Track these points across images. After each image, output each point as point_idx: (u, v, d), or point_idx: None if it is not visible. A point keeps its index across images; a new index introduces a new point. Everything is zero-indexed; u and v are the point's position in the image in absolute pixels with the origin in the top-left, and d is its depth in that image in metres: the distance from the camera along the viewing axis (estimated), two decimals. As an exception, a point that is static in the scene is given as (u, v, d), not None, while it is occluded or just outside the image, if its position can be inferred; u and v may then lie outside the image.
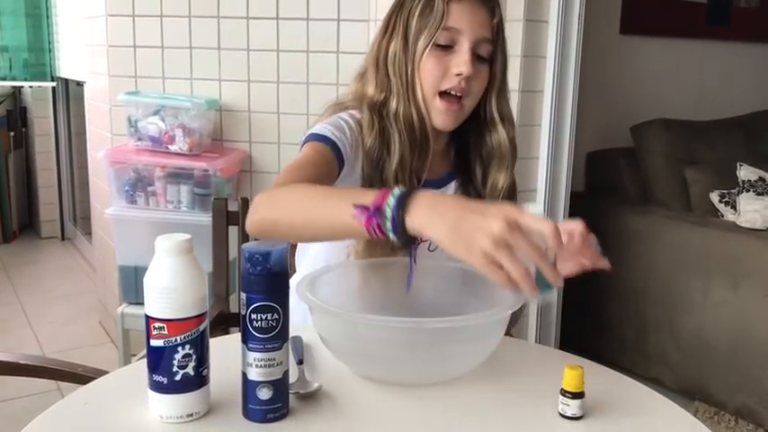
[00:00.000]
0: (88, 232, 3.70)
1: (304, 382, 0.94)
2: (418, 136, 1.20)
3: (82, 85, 3.35)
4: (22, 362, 1.36)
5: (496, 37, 1.20)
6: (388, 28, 1.22)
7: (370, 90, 1.23)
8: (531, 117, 2.40)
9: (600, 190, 3.11)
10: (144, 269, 0.84)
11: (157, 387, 0.84)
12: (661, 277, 2.66)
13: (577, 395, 0.88)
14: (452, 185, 1.31)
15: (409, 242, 0.88)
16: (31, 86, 4.42)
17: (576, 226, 1.01)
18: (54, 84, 4.33)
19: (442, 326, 0.90)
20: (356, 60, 1.32)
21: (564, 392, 0.88)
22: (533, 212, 0.88)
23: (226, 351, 0.90)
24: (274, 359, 0.83)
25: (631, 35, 3.21)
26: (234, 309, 1.71)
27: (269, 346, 0.83)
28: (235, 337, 0.88)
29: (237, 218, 1.74)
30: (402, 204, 0.85)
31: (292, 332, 0.87)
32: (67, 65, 4.01)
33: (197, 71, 2.51)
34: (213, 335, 0.90)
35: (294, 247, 1.35)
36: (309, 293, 0.95)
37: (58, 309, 3.39)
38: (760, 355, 2.36)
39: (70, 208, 4.51)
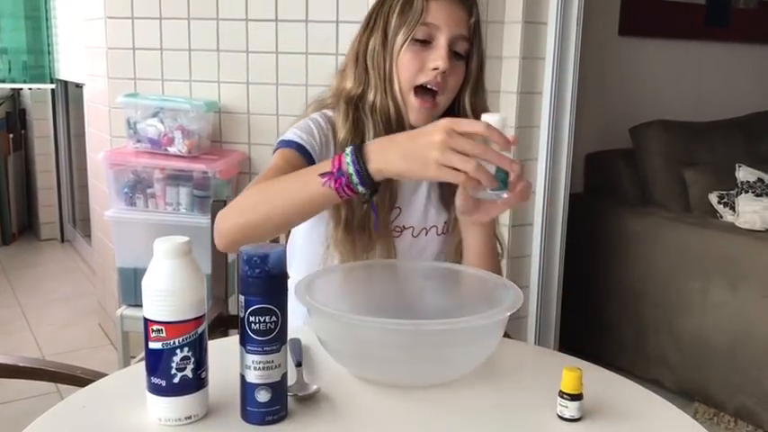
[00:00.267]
0: (87, 234, 3.69)
1: (302, 384, 0.94)
2: (394, 128, 1.21)
3: (81, 87, 3.35)
4: (22, 364, 1.36)
5: (473, 35, 1.23)
6: (369, 24, 1.25)
7: (349, 84, 1.25)
8: (530, 118, 2.40)
9: (599, 191, 3.11)
10: (143, 271, 0.84)
11: (156, 390, 0.84)
12: (660, 278, 2.66)
13: (576, 397, 0.88)
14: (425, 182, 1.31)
15: (375, 191, 0.98)
16: (30, 88, 4.42)
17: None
18: (53, 86, 4.33)
19: (441, 328, 0.90)
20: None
21: (562, 394, 0.88)
22: (492, 120, 0.95)
23: (224, 353, 0.90)
24: (273, 361, 0.83)
25: (630, 36, 3.20)
26: (233, 311, 1.70)
27: (267, 348, 0.83)
28: (233, 340, 0.88)
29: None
30: (358, 157, 0.95)
31: (291, 334, 0.88)
32: (67, 67, 4.01)
33: (196, 73, 2.51)
34: (212, 337, 0.90)
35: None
36: (307, 295, 0.95)
37: (57, 311, 3.39)
38: (759, 356, 2.36)
39: (69, 210, 4.51)
